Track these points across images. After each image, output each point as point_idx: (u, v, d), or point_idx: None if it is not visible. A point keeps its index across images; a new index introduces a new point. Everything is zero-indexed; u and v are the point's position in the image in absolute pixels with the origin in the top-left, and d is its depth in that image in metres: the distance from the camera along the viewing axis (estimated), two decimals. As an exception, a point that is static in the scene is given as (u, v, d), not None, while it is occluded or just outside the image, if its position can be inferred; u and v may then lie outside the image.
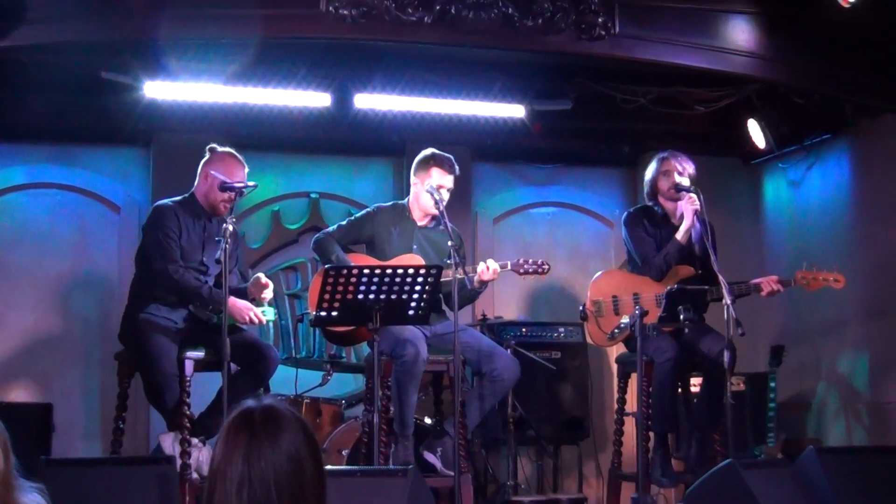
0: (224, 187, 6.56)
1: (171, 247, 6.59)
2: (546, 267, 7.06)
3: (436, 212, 6.88)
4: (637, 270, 7.42)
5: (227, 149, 6.86)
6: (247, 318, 6.55)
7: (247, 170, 6.80)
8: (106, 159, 9.15)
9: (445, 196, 6.93)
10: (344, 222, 7.14)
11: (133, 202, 9.12)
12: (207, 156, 6.82)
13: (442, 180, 6.96)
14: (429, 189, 6.88)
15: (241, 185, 6.59)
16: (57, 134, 8.94)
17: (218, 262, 6.23)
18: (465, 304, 6.80)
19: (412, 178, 7.13)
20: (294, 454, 2.57)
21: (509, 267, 6.99)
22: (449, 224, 6.63)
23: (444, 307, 6.99)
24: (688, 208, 7.16)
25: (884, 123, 8.54)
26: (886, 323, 8.52)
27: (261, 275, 6.80)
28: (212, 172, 6.68)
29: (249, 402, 2.65)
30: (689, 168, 7.35)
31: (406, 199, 7.18)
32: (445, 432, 6.78)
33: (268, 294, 6.72)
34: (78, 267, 8.99)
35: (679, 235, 7.20)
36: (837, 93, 8.09)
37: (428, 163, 7.04)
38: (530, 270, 7.02)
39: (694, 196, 7.12)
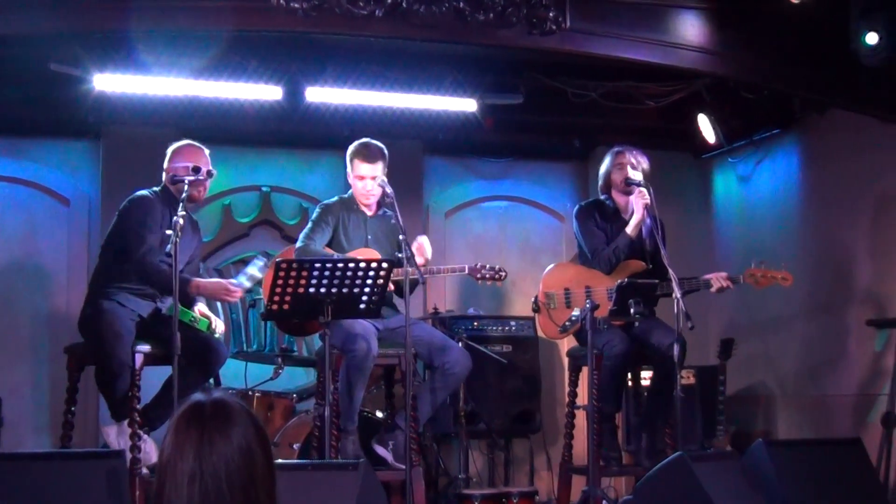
0: (185, 176, 6.58)
1: (148, 238, 6.56)
2: (503, 273, 7.09)
3: (368, 202, 6.99)
4: (588, 264, 7.44)
5: (182, 142, 6.88)
6: (225, 296, 6.63)
7: (207, 152, 6.83)
8: (55, 152, 9.08)
9: (371, 186, 6.93)
10: (309, 227, 7.06)
11: (82, 195, 9.06)
12: (167, 160, 6.82)
13: (361, 171, 6.96)
14: (352, 181, 6.96)
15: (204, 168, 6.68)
16: (5, 126, 8.86)
17: (169, 255, 6.21)
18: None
19: (348, 172, 7.12)
20: (245, 447, 2.56)
21: (467, 271, 7.01)
22: (397, 209, 6.62)
23: (396, 301, 6.99)
24: (638, 202, 7.19)
25: (832, 119, 8.62)
26: (832, 317, 8.60)
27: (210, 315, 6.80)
28: (174, 166, 6.73)
29: (199, 396, 2.63)
30: (643, 163, 7.39)
31: (350, 192, 7.16)
32: (397, 426, 6.78)
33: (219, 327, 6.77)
34: (26, 260, 8.91)
35: (629, 229, 7.23)
36: (786, 88, 8.14)
37: (350, 155, 7.05)
38: (487, 277, 7.04)
39: (644, 190, 7.16)
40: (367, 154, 6.99)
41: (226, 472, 2.52)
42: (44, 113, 8.70)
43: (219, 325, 6.82)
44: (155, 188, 6.83)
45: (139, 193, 6.81)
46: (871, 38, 7.03)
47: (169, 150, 6.84)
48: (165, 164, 6.80)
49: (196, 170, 6.65)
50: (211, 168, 6.75)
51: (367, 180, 6.94)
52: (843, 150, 8.57)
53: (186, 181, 6.49)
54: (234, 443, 2.54)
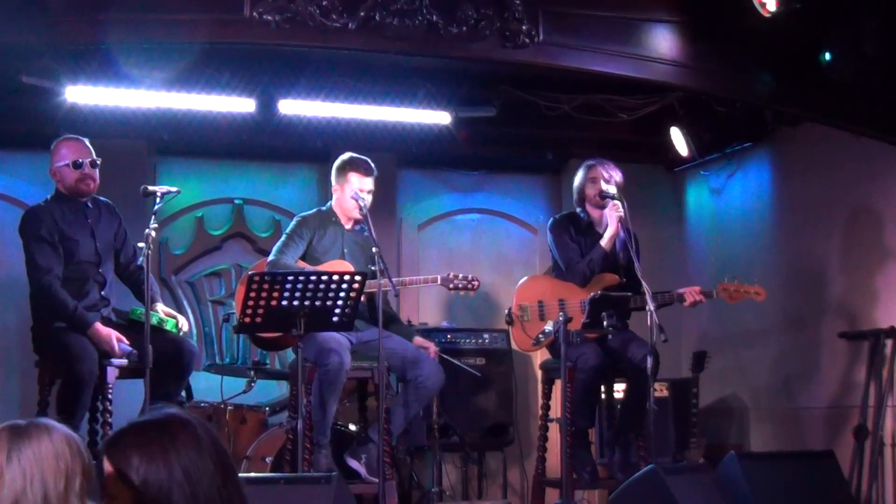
0: (76, 164, 6.57)
1: (42, 257, 6.46)
2: (476, 283, 7.10)
3: (359, 216, 6.89)
4: (562, 276, 7.45)
5: (59, 138, 6.81)
6: (108, 349, 6.37)
7: (86, 141, 6.74)
8: (26, 164, 9.01)
9: (368, 199, 6.94)
10: (283, 240, 7.04)
11: (54, 208, 9.00)
12: (50, 162, 6.74)
13: (361, 184, 6.97)
14: (353, 196, 6.89)
15: (89, 159, 6.63)
16: (-24, 138, 8.83)
17: (140, 268, 6.17)
18: None
19: (333, 185, 7.12)
20: (216, 457, 2.55)
21: (439, 281, 7.01)
22: (369, 220, 6.64)
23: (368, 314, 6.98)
24: (612, 215, 7.21)
25: (804, 132, 8.65)
26: (804, 330, 8.62)
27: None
28: (53, 167, 6.66)
29: (147, 416, 2.61)
30: (616, 176, 7.41)
31: (328, 205, 7.16)
32: (370, 439, 6.76)
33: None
34: (-4, 272, 8.87)
35: (603, 242, 7.25)
36: (758, 101, 8.17)
37: (345, 168, 7.05)
38: (460, 286, 7.05)
39: (618, 203, 7.18)
40: (368, 168, 7.05)
41: (207, 483, 2.51)
42: (15, 125, 8.65)
43: (183, 323, 6.76)
44: (48, 196, 6.76)
45: (30, 207, 6.84)
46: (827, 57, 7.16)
47: (51, 155, 6.73)
48: (50, 167, 6.72)
49: (77, 165, 6.59)
50: (94, 158, 6.67)
51: (366, 193, 6.95)
52: (815, 164, 8.60)
53: (72, 180, 6.56)
54: (179, 465, 2.52)
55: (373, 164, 7.07)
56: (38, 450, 2.52)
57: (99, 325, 6.40)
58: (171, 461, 2.51)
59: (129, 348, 6.38)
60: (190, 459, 2.53)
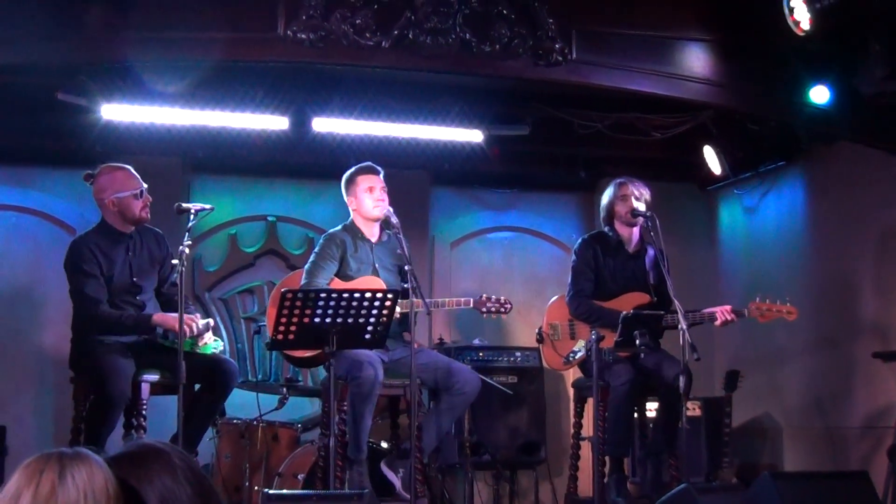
0: (140, 194, 6.58)
1: (90, 288, 6.49)
2: (508, 306, 7.09)
3: (380, 214, 6.91)
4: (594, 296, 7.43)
5: (102, 166, 6.75)
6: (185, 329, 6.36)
7: (131, 169, 6.70)
8: (62, 181, 9.08)
9: (381, 195, 6.94)
10: (312, 261, 6.98)
11: (88, 225, 9.00)
12: (91, 185, 6.68)
13: (369, 182, 6.97)
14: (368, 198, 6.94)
15: (144, 186, 6.62)
16: (12, 156, 8.90)
17: (174, 285, 6.19)
18: None
19: (346, 199, 7.11)
20: (194, 482, 2.57)
21: (471, 305, 7.00)
22: (402, 237, 6.63)
23: (402, 332, 6.97)
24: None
25: (838, 151, 8.61)
26: (837, 349, 8.58)
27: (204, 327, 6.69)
28: (113, 197, 6.59)
29: (121, 449, 2.63)
30: (646, 193, 7.39)
31: (350, 220, 7.14)
32: (408, 452, 6.74)
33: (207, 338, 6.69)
34: (32, 289, 8.92)
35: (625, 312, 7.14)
36: (792, 120, 8.15)
37: (351, 177, 7.06)
38: (492, 310, 7.03)
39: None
40: (370, 167, 7.04)
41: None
42: (51, 142, 8.72)
43: (218, 344, 6.75)
44: (91, 227, 6.77)
45: (73, 240, 6.82)
46: (818, 95, 7.32)
47: (98, 180, 6.67)
48: (103, 196, 6.65)
49: (141, 194, 6.60)
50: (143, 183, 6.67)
51: (377, 189, 6.95)
52: (849, 183, 8.57)
53: (137, 210, 6.57)
54: (154, 495, 2.53)
55: (375, 166, 7.05)
56: (90, 472, 2.54)
57: (157, 315, 6.50)
58: (146, 491, 2.52)
59: (205, 320, 6.55)
60: (165, 487, 2.53)
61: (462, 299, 7.08)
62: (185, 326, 6.25)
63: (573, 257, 7.57)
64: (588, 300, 7.33)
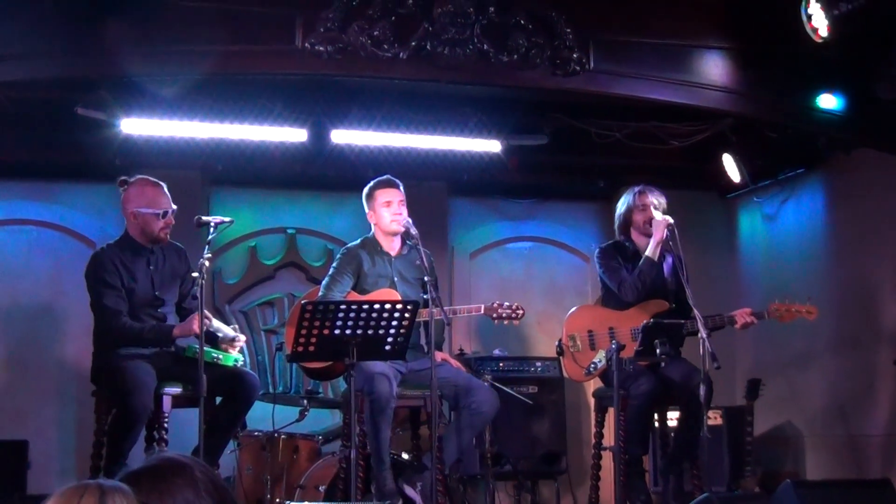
0: (164, 214, 6.57)
1: (111, 300, 6.50)
2: (520, 312, 7.05)
3: (398, 228, 6.92)
4: (612, 305, 7.42)
5: (138, 177, 6.75)
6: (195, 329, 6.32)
7: (164, 187, 6.70)
8: (82, 195, 9.13)
9: (400, 209, 6.94)
10: (330, 276, 7.01)
11: (109, 238, 8.99)
12: (122, 192, 6.68)
13: (387, 196, 6.97)
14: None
15: (172, 208, 6.61)
16: (33, 170, 8.94)
17: (194, 297, 6.20)
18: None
19: (367, 213, 7.12)
20: (215, 495, 2.57)
21: (482, 311, 6.99)
22: (421, 248, 6.63)
23: (422, 343, 6.97)
24: (659, 225, 7.12)
25: (858, 157, 8.59)
26: (860, 355, 8.55)
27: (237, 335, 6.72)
28: (135, 210, 6.60)
29: (143, 464, 2.63)
30: (663, 202, 7.37)
31: (371, 234, 7.16)
32: (425, 466, 6.74)
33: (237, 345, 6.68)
34: (54, 303, 8.96)
35: (649, 251, 7.20)
36: (810, 127, 8.14)
37: (370, 191, 7.06)
38: (504, 316, 7.00)
39: (668, 217, 7.11)
40: (388, 181, 7.04)
41: None
42: (71, 157, 8.76)
43: (239, 356, 6.74)
44: (112, 240, 6.78)
45: (95, 252, 6.82)
46: (826, 101, 7.32)
47: (129, 190, 6.67)
48: (128, 207, 6.65)
49: (165, 215, 6.60)
50: (174, 206, 6.66)
51: (395, 203, 6.95)
52: (869, 189, 8.55)
53: (157, 230, 6.57)
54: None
55: (394, 179, 7.05)
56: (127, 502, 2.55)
57: (178, 327, 6.50)
58: None
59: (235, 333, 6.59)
60: (187, 501, 2.54)
61: (473, 306, 7.08)
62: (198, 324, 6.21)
63: (598, 263, 7.52)
64: (629, 277, 7.28)
